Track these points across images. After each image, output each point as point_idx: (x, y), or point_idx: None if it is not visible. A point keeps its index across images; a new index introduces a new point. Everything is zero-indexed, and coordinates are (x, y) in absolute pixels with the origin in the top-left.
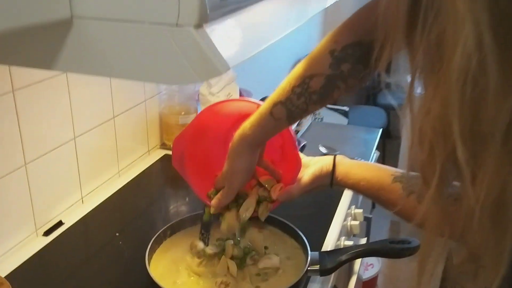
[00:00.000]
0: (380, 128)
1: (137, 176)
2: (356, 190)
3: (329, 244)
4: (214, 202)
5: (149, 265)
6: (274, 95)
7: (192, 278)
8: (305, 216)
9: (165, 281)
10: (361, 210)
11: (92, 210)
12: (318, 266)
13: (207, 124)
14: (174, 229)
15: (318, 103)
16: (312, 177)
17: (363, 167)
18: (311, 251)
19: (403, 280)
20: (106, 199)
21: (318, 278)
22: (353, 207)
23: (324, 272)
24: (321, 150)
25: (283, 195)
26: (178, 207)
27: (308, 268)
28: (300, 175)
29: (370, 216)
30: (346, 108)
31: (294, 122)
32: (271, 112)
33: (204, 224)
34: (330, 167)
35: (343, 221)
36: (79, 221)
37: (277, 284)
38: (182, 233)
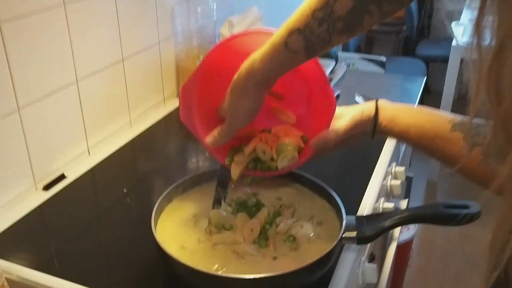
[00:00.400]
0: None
1: (150, 127)
2: (403, 139)
3: (366, 206)
4: (209, 138)
5: (155, 226)
6: (290, 21)
7: (203, 244)
8: (338, 174)
9: (171, 245)
10: (402, 168)
11: (99, 163)
12: (355, 233)
13: (219, 64)
14: (186, 186)
15: (343, 32)
16: (351, 122)
17: (412, 111)
18: (346, 214)
19: (440, 245)
20: (115, 152)
21: (354, 246)
22: (393, 164)
23: (362, 240)
24: (357, 100)
25: (317, 142)
26: (195, 163)
27: (343, 235)
28: (335, 122)
29: (411, 175)
30: (383, 58)
31: (313, 56)
32: (286, 43)
33: (221, 180)
34: (372, 111)
35: (383, 180)
36: (83, 175)
37: (307, 254)
38: (196, 191)
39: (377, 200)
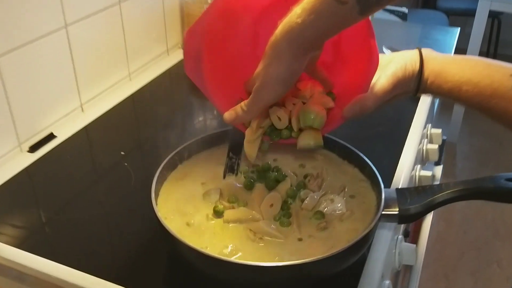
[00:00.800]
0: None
1: (152, 81)
2: (454, 98)
3: (401, 175)
4: (229, 115)
5: (156, 197)
6: None
7: (213, 222)
8: (366, 137)
9: (174, 221)
10: (439, 130)
11: (93, 121)
12: (397, 210)
13: (233, 6)
14: (192, 150)
15: None
16: (393, 81)
17: (464, 63)
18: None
19: (460, 211)
20: (111, 109)
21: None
22: (429, 125)
23: (406, 218)
24: (385, 52)
25: (352, 109)
26: (203, 122)
27: (383, 213)
28: (374, 79)
29: (444, 137)
30: (404, 9)
31: (368, 11)
32: None
33: (234, 144)
34: (416, 65)
35: (418, 144)
36: (75, 134)
37: (339, 235)
38: (204, 156)
39: (413, 168)
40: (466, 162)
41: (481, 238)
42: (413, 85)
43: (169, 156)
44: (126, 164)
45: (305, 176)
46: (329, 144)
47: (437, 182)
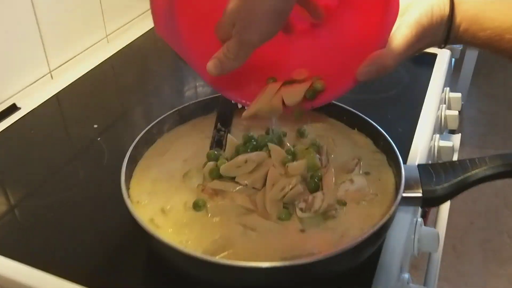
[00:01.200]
0: None
1: (132, 43)
2: (494, 49)
3: (418, 146)
4: (211, 65)
5: (128, 178)
6: None
7: (191, 212)
8: (377, 103)
9: (148, 207)
10: (458, 95)
11: (63, 90)
12: (421, 191)
13: None
14: (174, 122)
15: None
16: (417, 30)
17: (506, 5)
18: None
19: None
20: (85, 74)
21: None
22: (447, 89)
23: (431, 201)
24: None
25: (369, 68)
26: (191, 90)
27: (404, 195)
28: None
29: (462, 102)
30: None
31: None
32: None
33: (223, 114)
34: (445, 9)
35: (437, 110)
36: (42, 105)
37: (350, 222)
38: (188, 128)
39: (432, 138)
40: (473, 127)
41: (490, 207)
42: (442, 35)
43: (146, 129)
44: (99, 139)
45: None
46: (335, 112)
47: (456, 153)
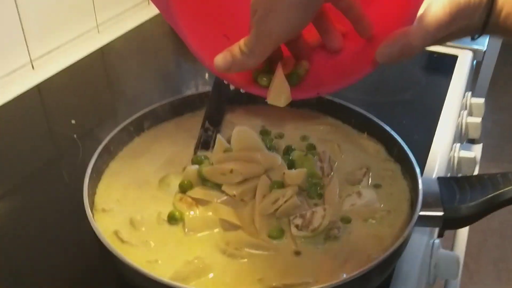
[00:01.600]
0: None
1: (126, 34)
2: None
3: (437, 156)
4: (220, 59)
5: (94, 181)
6: None
7: (164, 226)
8: (390, 106)
9: (113, 217)
10: (481, 100)
11: (45, 81)
12: (442, 210)
13: None
14: (155, 119)
15: None
16: (451, 9)
17: None
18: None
19: None
20: (70, 66)
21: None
22: (468, 94)
23: (453, 223)
24: None
25: (391, 48)
26: (184, 85)
27: (421, 213)
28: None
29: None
30: None
31: None
32: None
33: (213, 111)
34: None
35: (457, 116)
36: (19, 97)
37: (356, 244)
38: (169, 128)
39: (452, 148)
40: (489, 140)
41: (505, 224)
42: (479, 19)
43: (120, 126)
44: (75, 135)
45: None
46: (341, 113)
47: (477, 166)
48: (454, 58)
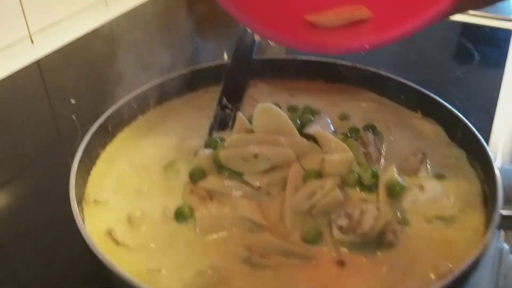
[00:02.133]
0: None
1: (137, 8)
2: None
3: (499, 142)
4: None
5: (87, 169)
6: None
7: (171, 224)
8: (441, 85)
9: (108, 212)
10: None
11: (46, 57)
12: None
13: None
14: (162, 95)
15: None
16: None
17: None
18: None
19: None
20: (75, 41)
21: None
22: None
23: None
24: None
25: None
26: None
27: (504, 213)
28: None
29: None
30: None
31: None
32: None
33: (231, 86)
34: None
35: None
36: (17, 73)
37: (416, 253)
38: (179, 105)
39: None
40: None
41: None
42: None
43: (120, 102)
44: (74, 117)
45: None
46: (389, 87)
47: None
48: (508, 33)
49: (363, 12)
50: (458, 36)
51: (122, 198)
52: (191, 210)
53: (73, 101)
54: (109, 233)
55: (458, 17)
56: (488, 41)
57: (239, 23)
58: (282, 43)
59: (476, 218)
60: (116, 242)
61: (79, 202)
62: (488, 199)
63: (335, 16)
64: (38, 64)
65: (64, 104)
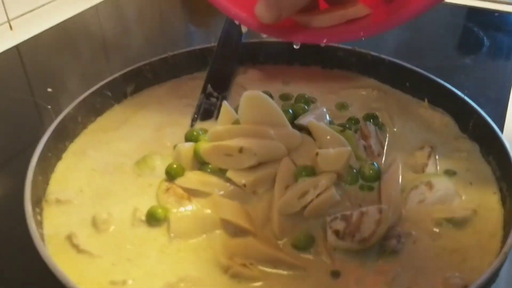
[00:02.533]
0: None
1: None
2: None
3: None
4: (263, 5)
5: (51, 163)
6: None
7: (141, 228)
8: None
9: (70, 213)
10: None
11: (24, 42)
12: None
13: None
14: (141, 82)
15: None
16: None
17: None
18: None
19: None
20: (56, 25)
21: None
22: None
23: None
24: None
25: None
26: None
27: None
28: None
29: None
30: None
31: None
32: None
33: (216, 72)
34: None
35: None
36: None
37: (424, 260)
38: (160, 92)
39: None
40: None
41: None
42: None
43: (91, 90)
44: (49, 107)
45: (346, 126)
46: (391, 73)
47: None
48: None
49: (359, 11)
50: (464, 20)
51: (89, 197)
52: (166, 211)
53: (49, 89)
54: (69, 238)
55: (464, 0)
56: (497, 27)
57: (225, 14)
58: (269, 33)
59: (492, 220)
60: (77, 248)
61: (38, 201)
62: (506, 198)
63: (327, 17)
64: (17, 51)
65: (41, 93)
